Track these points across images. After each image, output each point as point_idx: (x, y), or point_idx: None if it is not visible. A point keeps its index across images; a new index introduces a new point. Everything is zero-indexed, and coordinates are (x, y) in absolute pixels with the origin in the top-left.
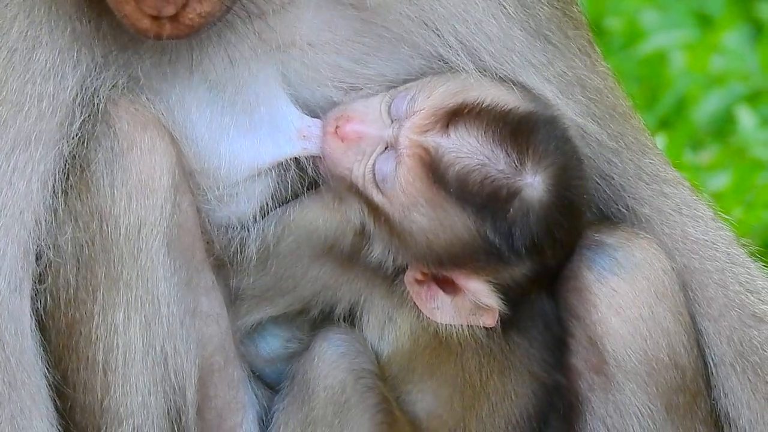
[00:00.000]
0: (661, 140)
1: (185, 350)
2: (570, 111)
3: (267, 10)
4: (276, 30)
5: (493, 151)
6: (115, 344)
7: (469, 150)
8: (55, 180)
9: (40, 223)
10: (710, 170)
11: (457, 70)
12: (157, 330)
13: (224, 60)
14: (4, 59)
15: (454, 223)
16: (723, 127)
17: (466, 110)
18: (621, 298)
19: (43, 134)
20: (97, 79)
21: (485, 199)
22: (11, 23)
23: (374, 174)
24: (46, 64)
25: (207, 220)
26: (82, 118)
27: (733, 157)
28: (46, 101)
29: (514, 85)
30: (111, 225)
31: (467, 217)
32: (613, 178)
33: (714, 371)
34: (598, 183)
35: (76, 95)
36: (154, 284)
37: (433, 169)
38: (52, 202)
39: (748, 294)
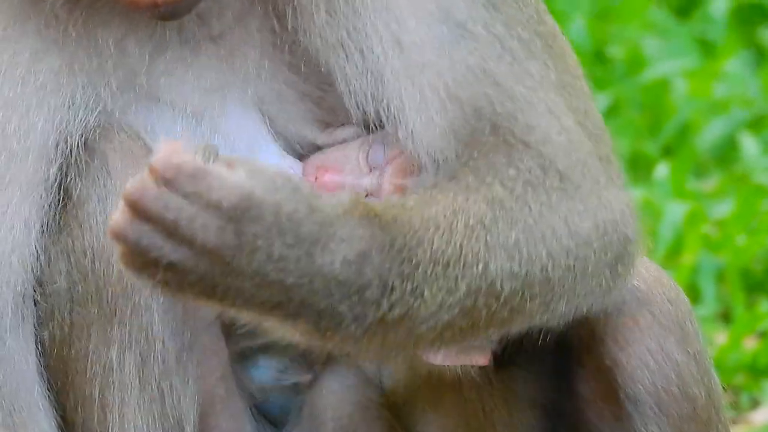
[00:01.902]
0: (664, 168)
1: (182, 387)
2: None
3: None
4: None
5: None
6: (110, 382)
7: None
8: (39, 221)
9: (28, 265)
10: (714, 197)
11: None
12: (152, 367)
13: (201, 89)
14: None
15: None
16: (726, 153)
17: None
18: (626, 334)
19: (20, 175)
20: (70, 121)
21: None
22: None
23: None
24: (7, 101)
25: None
26: (59, 161)
27: (737, 183)
28: (15, 140)
29: None
30: (104, 263)
31: None
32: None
33: None
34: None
35: (48, 136)
36: (149, 322)
37: None
38: (38, 243)
39: None
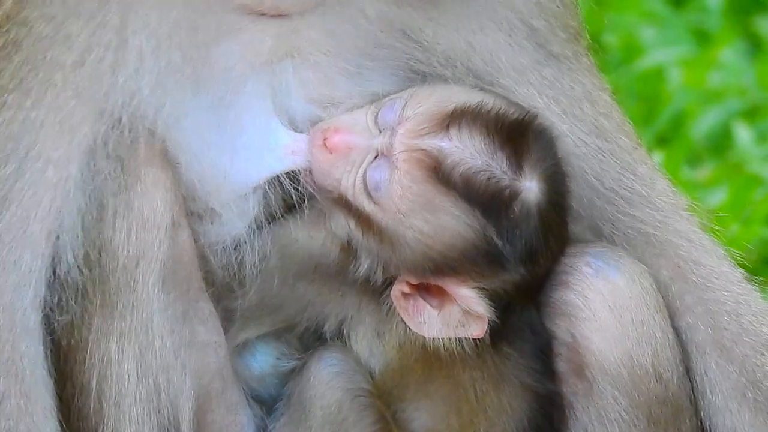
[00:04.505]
0: (658, 156)
1: (179, 382)
2: (578, 127)
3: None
4: (284, 34)
5: (495, 153)
6: (108, 373)
7: (473, 151)
8: (77, 199)
9: (63, 241)
10: (708, 186)
11: (444, 80)
12: (150, 362)
13: (220, 75)
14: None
15: (457, 226)
16: (720, 142)
17: (462, 113)
18: (618, 295)
19: (75, 151)
20: (125, 106)
21: (490, 200)
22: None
23: (365, 183)
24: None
25: (206, 247)
26: (107, 138)
27: (731, 172)
28: (78, 117)
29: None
30: (110, 255)
31: (474, 217)
32: (622, 195)
33: (721, 403)
34: (602, 199)
35: (103, 114)
36: (149, 316)
37: (437, 171)
38: (72, 221)
39: (762, 324)
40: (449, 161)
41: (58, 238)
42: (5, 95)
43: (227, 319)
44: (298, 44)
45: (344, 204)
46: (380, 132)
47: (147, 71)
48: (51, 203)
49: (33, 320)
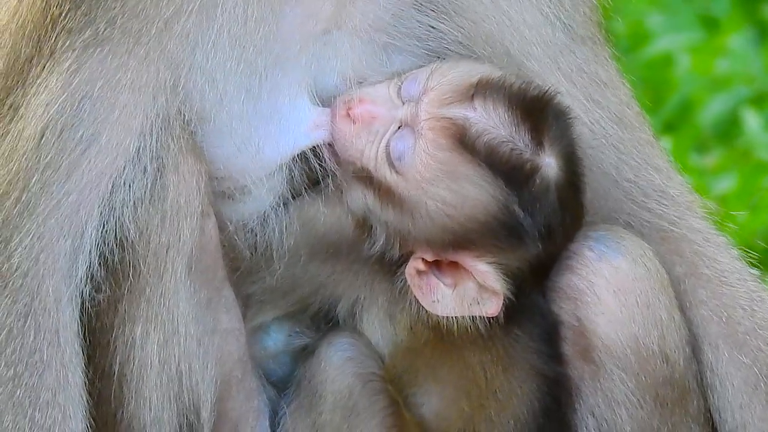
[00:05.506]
0: (666, 143)
1: (201, 370)
2: (600, 114)
3: None
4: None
5: (518, 126)
6: (131, 358)
7: (497, 122)
8: (139, 175)
9: (114, 217)
10: (716, 173)
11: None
12: (173, 348)
13: (271, 44)
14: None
15: (479, 195)
16: (728, 129)
17: (486, 85)
18: (622, 278)
19: (150, 123)
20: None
21: (512, 171)
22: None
23: (388, 153)
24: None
25: (232, 230)
26: (177, 114)
27: (739, 159)
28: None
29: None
30: (144, 239)
31: (497, 187)
32: (641, 187)
33: (732, 397)
34: (619, 191)
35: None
36: (175, 304)
37: (462, 139)
38: (129, 196)
39: None
40: (474, 130)
41: (114, 211)
42: (90, 50)
43: (244, 304)
44: (353, 14)
45: (365, 176)
46: (403, 104)
47: (225, 37)
48: (120, 173)
49: (80, 292)
